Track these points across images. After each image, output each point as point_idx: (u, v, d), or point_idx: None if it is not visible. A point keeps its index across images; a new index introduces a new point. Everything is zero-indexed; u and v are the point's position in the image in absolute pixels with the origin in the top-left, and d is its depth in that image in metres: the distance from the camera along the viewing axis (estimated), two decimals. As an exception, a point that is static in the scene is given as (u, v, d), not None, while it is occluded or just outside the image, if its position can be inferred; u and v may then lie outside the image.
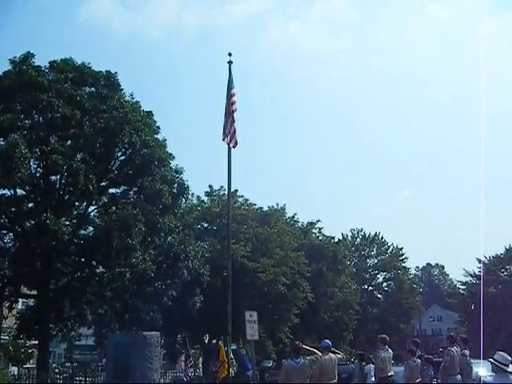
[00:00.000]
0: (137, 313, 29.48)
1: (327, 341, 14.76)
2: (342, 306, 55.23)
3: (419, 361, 16.37)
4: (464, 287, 70.72)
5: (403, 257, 77.88)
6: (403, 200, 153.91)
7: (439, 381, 16.77)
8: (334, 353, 14.46)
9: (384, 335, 16.46)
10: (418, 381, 15.95)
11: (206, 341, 44.85)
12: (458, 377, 16.03)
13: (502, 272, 65.94)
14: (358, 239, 77.72)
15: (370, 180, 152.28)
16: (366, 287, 76.11)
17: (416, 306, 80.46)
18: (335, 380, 14.04)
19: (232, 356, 23.68)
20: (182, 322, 36.51)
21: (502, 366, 9.47)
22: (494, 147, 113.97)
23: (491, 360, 9.67)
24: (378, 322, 69.10)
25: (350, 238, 77.08)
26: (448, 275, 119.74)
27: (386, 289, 79.13)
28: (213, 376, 26.36)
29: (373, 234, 77.55)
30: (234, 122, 22.17)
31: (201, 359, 49.25)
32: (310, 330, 49.49)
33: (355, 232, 77.82)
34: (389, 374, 15.35)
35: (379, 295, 78.94)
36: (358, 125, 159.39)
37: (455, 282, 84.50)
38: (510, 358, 9.56)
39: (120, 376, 19.31)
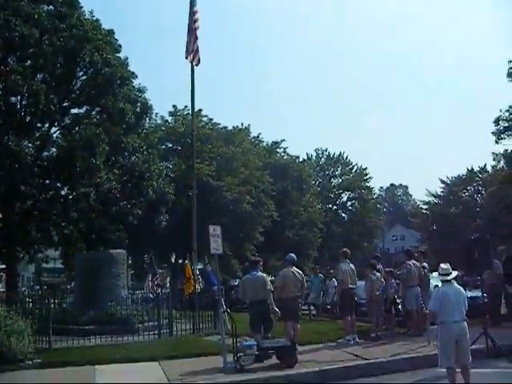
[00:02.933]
0: (103, 233, 29.69)
1: (292, 254, 15.14)
2: (306, 224, 55.87)
3: (379, 274, 16.87)
4: (426, 207, 72.05)
5: (367, 177, 78.59)
6: (370, 122, 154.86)
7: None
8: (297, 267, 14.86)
9: (345, 249, 16.85)
10: (377, 293, 16.46)
11: (173, 260, 45.38)
12: (417, 288, 16.59)
13: (464, 193, 67.25)
14: (323, 159, 78.00)
15: (338, 102, 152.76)
16: (331, 206, 76.86)
17: (379, 225, 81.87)
18: (297, 293, 14.43)
19: (198, 272, 24.14)
20: (148, 242, 36.84)
21: (442, 277, 10.41)
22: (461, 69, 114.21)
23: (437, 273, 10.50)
24: (342, 241, 69.96)
25: (314, 157, 77.42)
26: (411, 196, 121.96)
27: (350, 208, 79.99)
28: (179, 293, 26.81)
29: (337, 154, 78.03)
30: (197, 39, 22.05)
31: (168, 279, 49.85)
32: (275, 248, 50.05)
33: (320, 152, 78.14)
34: (350, 287, 15.74)
35: (343, 214, 79.88)
36: (330, 46, 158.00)
37: (418, 203, 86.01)
38: (449, 267, 10.28)
39: (87, 294, 19.68)
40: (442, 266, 10.51)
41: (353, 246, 65.21)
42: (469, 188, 67.44)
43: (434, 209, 68.07)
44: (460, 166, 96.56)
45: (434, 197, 69.50)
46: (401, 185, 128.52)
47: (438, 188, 69.89)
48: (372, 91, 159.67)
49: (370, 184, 79.92)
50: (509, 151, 25.87)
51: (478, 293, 19.84)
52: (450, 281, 10.35)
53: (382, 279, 17.02)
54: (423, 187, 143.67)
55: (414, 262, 16.96)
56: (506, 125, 25.71)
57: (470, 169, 66.91)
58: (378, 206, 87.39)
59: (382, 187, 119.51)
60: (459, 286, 10.48)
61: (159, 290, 28.65)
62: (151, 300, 22.11)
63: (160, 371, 12.32)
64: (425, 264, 17.57)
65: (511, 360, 12.04)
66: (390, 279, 17.41)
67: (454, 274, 10.48)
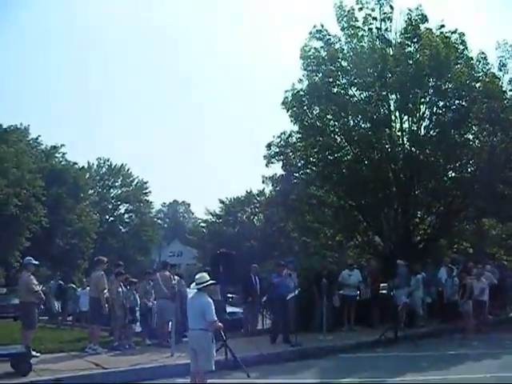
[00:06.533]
0: None
1: (27, 258, 14.51)
2: (79, 233, 54.75)
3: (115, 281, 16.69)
4: (204, 225, 73.39)
5: (147, 190, 78.91)
6: (153, 136, 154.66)
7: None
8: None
9: (99, 257, 16.54)
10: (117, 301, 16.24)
11: None
12: (165, 301, 16.37)
13: (241, 214, 69.45)
14: (104, 169, 77.14)
15: (115, 110, 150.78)
16: (108, 217, 76.08)
17: (156, 239, 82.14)
18: (30, 299, 13.85)
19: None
20: None
21: (195, 286, 10.37)
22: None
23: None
24: (116, 253, 69.40)
25: (95, 166, 76.24)
26: (193, 213, 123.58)
27: (127, 221, 79.73)
28: None
29: (119, 165, 77.47)
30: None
31: None
32: (43, 255, 48.21)
33: (102, 161, 77.21)
34: (94, 295, 15.41)
35: (120, 226, 79.35)
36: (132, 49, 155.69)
37: (198, 221, 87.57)
38: (202, 276, 10.35)
39: None
40: (198, 275, 10.48)
41: (127, 259, 64.87)
42: (247, 210, 69.62)
43: (211, 227, 69.54)
44: (241, 188, 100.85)
45: (213, 215, 71.04)
46: (183, 202, 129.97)
47: (217, 208, 71.64)
48: (157, 107, 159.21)
49: (150, 198, 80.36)
50: (277, 175, 26.97)
51: (236, 309, 20.63)
52: (201, 290, 10.28)
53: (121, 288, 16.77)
54: (204, 206, 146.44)
55: (168, 273, 16.95)
56: (277, 150, 26.82)
57: (248, 191, 69.18)
58: (157, 220, 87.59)
59: (164, 203, 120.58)
60: (207, 298, 10.11)
61: None
62: None
63: None
64: (176, 277, 17.64)
65: (247, 372, 12.28)
66: (131, 289, 17.34)
67: (208, 283, 10.36)
